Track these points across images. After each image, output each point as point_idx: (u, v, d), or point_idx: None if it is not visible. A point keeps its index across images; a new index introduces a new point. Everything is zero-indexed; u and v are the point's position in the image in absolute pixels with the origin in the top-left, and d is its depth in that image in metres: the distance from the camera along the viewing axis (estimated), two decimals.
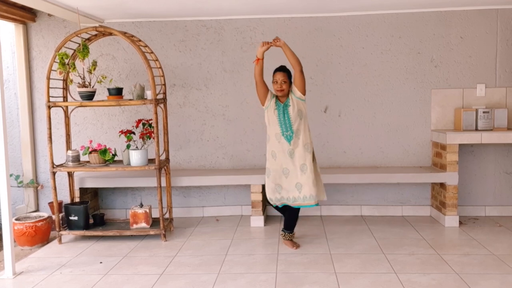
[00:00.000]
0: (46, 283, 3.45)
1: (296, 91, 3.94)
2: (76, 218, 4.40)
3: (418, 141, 5.08)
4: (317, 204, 3.93)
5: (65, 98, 4.57)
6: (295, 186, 3.93)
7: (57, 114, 5.11)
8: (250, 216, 4.93)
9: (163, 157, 4.69)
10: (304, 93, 3.93)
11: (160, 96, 4.65)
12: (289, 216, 4.10)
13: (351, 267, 3.62)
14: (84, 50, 4.20)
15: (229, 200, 5.27)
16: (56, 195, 4.36)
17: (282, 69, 3.99)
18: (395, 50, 5.00)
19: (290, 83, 3.97)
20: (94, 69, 4.41)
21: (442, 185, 4.77)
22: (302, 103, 3.96)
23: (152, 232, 4.38)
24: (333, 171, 4.92)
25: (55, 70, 4.27)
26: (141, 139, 4.40)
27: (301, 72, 3.87)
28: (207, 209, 5.26)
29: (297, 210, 4.06)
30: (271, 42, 3.89)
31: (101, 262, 3.87)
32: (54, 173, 4.32)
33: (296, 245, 4.07)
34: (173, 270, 3.64)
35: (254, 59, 5.05)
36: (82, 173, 4.83)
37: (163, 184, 4.72)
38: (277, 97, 4.01)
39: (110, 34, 4.39)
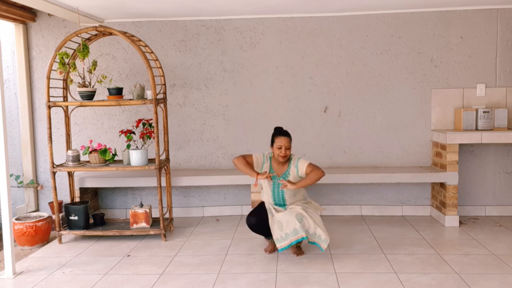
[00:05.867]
0: (46, 283, 3.45)
1: (303, 171, 3.79)
2: (76, 218, 4.40)
3: (418, 141, 5.08)
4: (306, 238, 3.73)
5: (65, 98, 4.57)
6: (295, 216, 3.68)
7: (57, 114, 5.12)
8: None
9: (163, 157, 4.69)
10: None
11: (160, 96, 4.66)
12: None
13: (351, 267, 3.62)
14: (84, 50, 4.20)
15: (229, 200, 5.26)
16: (56, 195, 4.36)
17: (286, 133, 3.82)
18: (395, 50, 5.00)
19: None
20: (94, 69, 4.41)
21: (442, 185, 4.77)
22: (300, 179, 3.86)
23: (152, 232, 4.38)
24: (333, 171, 4.92)
25: (55, 70, 4.27)
26: (141, 139, 4.40)
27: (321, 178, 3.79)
28: (207, 209, 5.26)
29: None
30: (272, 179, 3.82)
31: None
32: (54, 173, 4.32)
33: (299, 253, 3.89)
34: (173, 270, 3.64)
35: (254, 59, 5.08)
36: (82, 173, 4.84)
37: (163, 184, 4.72)
38: (271, 162, 3.86)
39: (110, 34, 4.39)
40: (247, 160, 3.87)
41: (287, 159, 3.86)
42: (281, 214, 3.79)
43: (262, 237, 4.39)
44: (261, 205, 4.01)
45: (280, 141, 3.79)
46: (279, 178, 3.87)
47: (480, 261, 3.69)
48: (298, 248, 3.94)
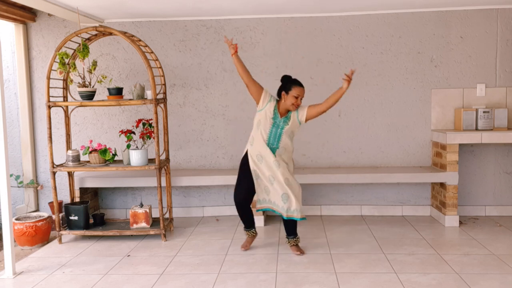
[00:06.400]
0: (46, 283, 3.45)
1: (303, 115, 3.84)
2: (76, 218, 4.40)
3: (418, 141, 5.08)
4: (304, 218, 3.86)
5: (65, 98, 4.57)
6: (281, 196, 3.81)
7: (57, 114, 5.12)
8: None
9: (163, 157, 4.69)
10: (307, 121, 3.89)
11: (160, 96, 4.66)
12: (287, 222, 3.95)
13: (351, 267, 3.62)
14: (84, 50, 4.20)
15: (229, 200, 5.26)
16: (56, 195, 4.36)
17: (302, 84, 3.84)
18: (395, 50, 5.00)
19: None
20: (94, 69, 4.41)
21: (442, 185, 4.77)
22: (298, 127, 3.90)
23: (152, 232, 4.38)
24: (333, 171, 4.92)
25: (55, 70, 4.27)
26: (141, 139, 4.40)
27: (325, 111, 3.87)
28: (207, 209, 5.26)
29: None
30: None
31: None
32: (54, 173, 4.32)
33: (300, 251, 3.94)
34: (173, 270, 3.64)
35: (254, 59, 5.08)
36: (82, 173, 4.84)
37: (163, 184, 4.72)
38: (276, 104, 3.86)
39: (110, 34, 4.39)
40: (255, 82, 3.88)
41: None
42: (268, 183, 3.86)
43: (262, 237, 4.40)
44: (246, 175, 3.93)
45: (300, 91, 3.80)
46: (283, 118, 3.85)
47: (480, 261, 3.69)
48: (297, 246, 3.96)
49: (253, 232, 4.10)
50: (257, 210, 4.02)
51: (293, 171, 3.99)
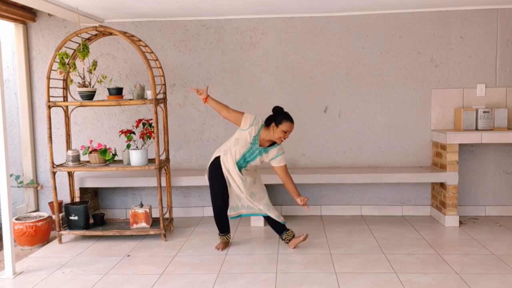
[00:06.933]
0: (46, 283, 3.45)
1: (276, 162, 3.89)
2: (76, 218, 4.40)
3: (418, 141, 5.08)
4: (284, 223, 4.07)
5: (65, 98, 4.57)
6: (252, 200, 4.02)
7: (57, 114, 5.12)
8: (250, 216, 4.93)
9: (163, 157, 4.69)
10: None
11: (160, 96, 4.66)
12: (271, 220, 4.07)
13: (351, 267, 3.62)
14: (84, 50, 4.20)
15: None
16: (56, 195, 4.36)
17: (293, 120, 3.87)
18: (395, 50, 5.00)
19: None
20: (94, 69, 4.41)
21: (442, 185, 4.77)
22: (266, 162, 3.97)
23: (152, 232, 4.38)
24: (333, 171, 4.92)
25: (55, 70, 4.27)
26: (141, 139, 4.40)
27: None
28: (207, 209, 5.26)
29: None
30: None
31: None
32: (54, 173, 4.32)
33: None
34: (173, 270, 3.64)
35: (254, 59, 5.08)
36: (82, 173, 4.84)
37: (163, 184, 4.72)
38: (260, 131, 3.84)
39: (110, 34, 4.39)
40: (232, 112, 3.89)
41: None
42: (238, 191, 3.99)
43: (262, 237, 4.40)
44: (219, 180, 3.98)
45: (289, 126, 3.82)
46: (260, 148, 3.88)
47: (480, 261, 3.69)
48: (295, 238, 4.03)
49: (227, 237, 4.14)
50: (231, 218, 4.13)
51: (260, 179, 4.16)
